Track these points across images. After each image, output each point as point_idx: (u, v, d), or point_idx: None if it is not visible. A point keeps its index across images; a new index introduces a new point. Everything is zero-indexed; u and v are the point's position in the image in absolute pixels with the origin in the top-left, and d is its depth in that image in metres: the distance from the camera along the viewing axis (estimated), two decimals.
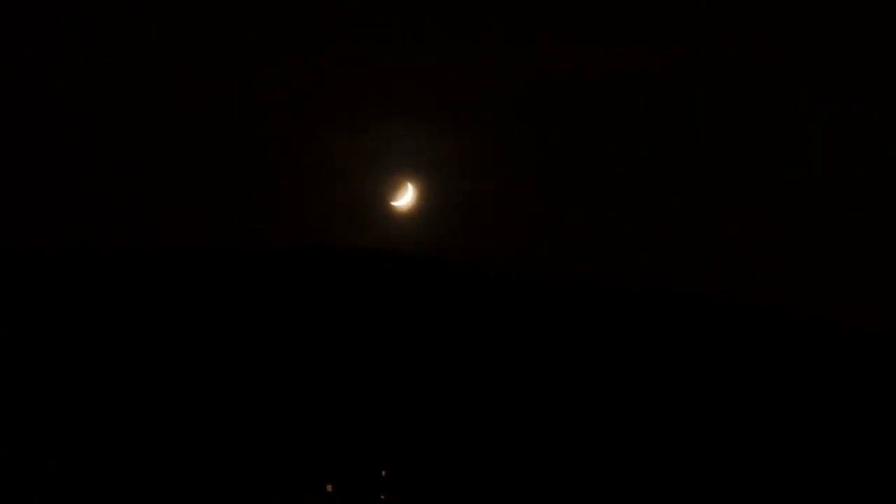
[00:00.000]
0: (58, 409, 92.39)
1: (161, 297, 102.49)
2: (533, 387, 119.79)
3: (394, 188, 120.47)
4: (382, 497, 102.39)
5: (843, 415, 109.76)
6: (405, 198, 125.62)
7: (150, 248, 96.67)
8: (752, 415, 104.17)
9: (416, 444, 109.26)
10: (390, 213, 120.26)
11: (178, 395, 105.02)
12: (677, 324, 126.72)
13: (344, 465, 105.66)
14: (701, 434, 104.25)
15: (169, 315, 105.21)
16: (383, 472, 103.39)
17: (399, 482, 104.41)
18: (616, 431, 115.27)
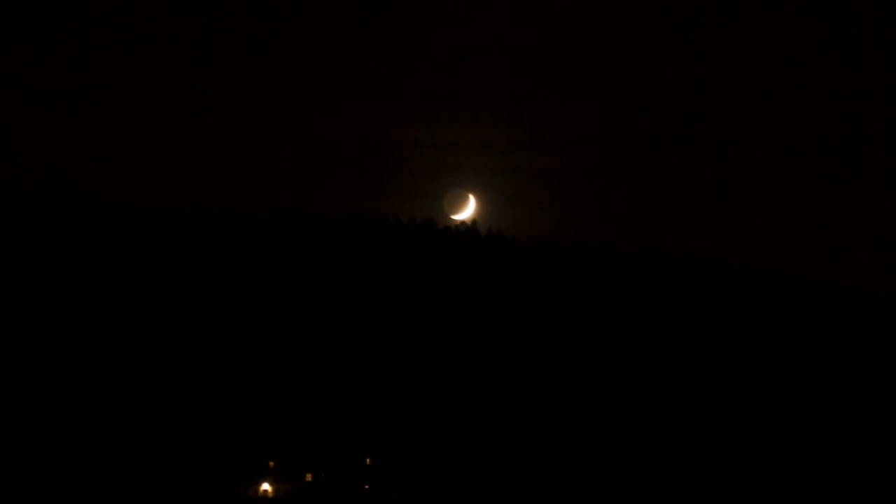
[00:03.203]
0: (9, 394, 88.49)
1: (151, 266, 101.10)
2: (530, 377, 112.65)
3: (455, 202, 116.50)
4: (367, 486, 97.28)
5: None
6: (466, 211, 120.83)
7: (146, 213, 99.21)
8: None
9: (402, 433, 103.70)
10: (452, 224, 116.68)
11: (162, 380, 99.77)
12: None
13: (329, 455, 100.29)
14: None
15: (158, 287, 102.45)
16: (368, 461, 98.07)
17: (384, 471, 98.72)
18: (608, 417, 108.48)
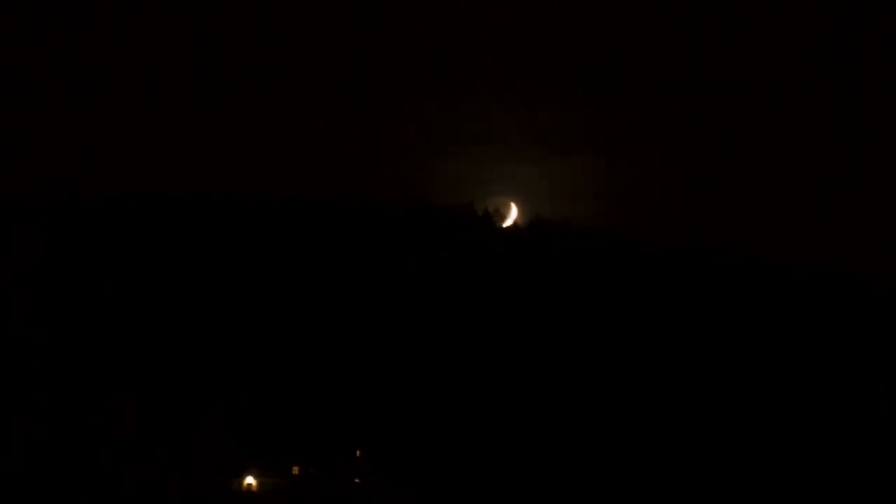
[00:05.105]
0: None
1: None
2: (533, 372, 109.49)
3: (499, 209, 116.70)
4: (357, 480, 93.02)
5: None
6: (510, 218, 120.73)
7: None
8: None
9: (393, 425, 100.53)
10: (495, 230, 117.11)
11: (146, 372, 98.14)
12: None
13: (318, 447, 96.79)
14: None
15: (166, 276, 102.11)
16: (358, 452, 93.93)
17: (375, 464, 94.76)
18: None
